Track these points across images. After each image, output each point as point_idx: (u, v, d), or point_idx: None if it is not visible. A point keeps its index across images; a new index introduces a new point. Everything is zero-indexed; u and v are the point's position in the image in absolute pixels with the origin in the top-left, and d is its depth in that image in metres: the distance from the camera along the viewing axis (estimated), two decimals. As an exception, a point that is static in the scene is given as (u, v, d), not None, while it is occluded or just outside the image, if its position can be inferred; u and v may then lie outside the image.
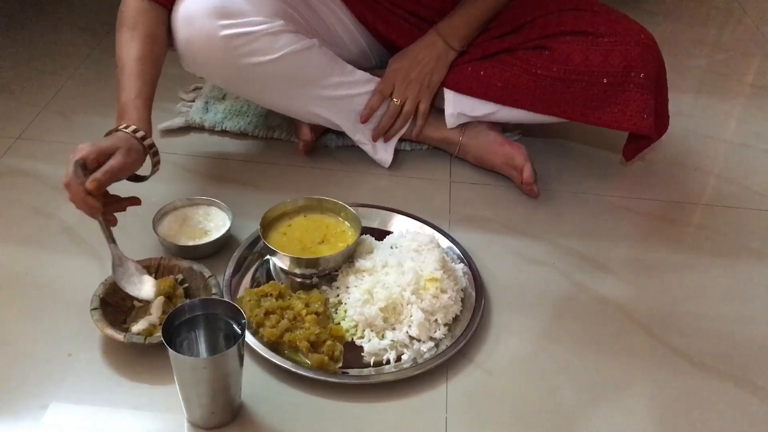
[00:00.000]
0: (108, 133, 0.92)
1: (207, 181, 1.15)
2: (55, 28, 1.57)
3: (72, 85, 1.36)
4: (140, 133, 0.91)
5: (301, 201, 1.01)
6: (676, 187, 1.23)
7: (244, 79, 1.07)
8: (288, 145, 1.24)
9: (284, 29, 1.06)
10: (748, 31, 1.84)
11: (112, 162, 0.87)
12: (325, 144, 1.24)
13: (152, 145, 0.93)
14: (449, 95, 1.18)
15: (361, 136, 1.20)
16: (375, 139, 1.20)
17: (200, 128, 1.26)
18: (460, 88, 1.16)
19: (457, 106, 1.18)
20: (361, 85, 1.17)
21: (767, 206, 1.20)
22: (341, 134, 1.22)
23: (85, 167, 0.86)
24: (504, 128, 1.25)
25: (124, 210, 0.93)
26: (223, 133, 1.26)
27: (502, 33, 1.16)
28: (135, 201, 0.95)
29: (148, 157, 0.93)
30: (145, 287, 0.88)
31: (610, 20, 1.10)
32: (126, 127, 0.91)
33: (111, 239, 0.88)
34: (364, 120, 1.17)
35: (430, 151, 1.25)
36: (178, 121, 1.26)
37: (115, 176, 0.87)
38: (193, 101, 1.33)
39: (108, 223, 0.89)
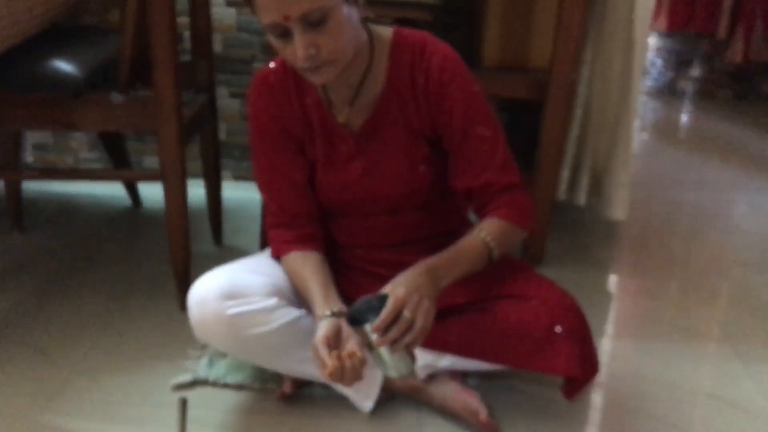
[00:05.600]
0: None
1: (211, 429, 1.35)
2: (80, 293, 1.83)
3: (98, 347, 1.60)
4: (337, 310, 1.23)
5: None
6: (614, 426, 1.43)
7: (245, 347, 1.32)
8: (279, 395, 1.45)
9: (278, 305, 1.32)
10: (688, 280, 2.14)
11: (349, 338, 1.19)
12: (310, 394, 1.46)
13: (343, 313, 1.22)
14: (417, 351, 1.40)
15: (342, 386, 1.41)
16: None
17: (205, 382, 1.48)
18: (425, 345, 1.39)
19: (424, 359, 1.40)
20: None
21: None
22: (325, 386, 1.44)
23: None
24: (464, 375, 1.47)
25: None
26: (225, 386, 1.48)
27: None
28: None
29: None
30: None
31: (538, 286, 1.37)
32: (330, 314, 1.22)
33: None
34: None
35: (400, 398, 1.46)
36: (187, 377, 1.49)
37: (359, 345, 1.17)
38: (200, 358, 1.56)
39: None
